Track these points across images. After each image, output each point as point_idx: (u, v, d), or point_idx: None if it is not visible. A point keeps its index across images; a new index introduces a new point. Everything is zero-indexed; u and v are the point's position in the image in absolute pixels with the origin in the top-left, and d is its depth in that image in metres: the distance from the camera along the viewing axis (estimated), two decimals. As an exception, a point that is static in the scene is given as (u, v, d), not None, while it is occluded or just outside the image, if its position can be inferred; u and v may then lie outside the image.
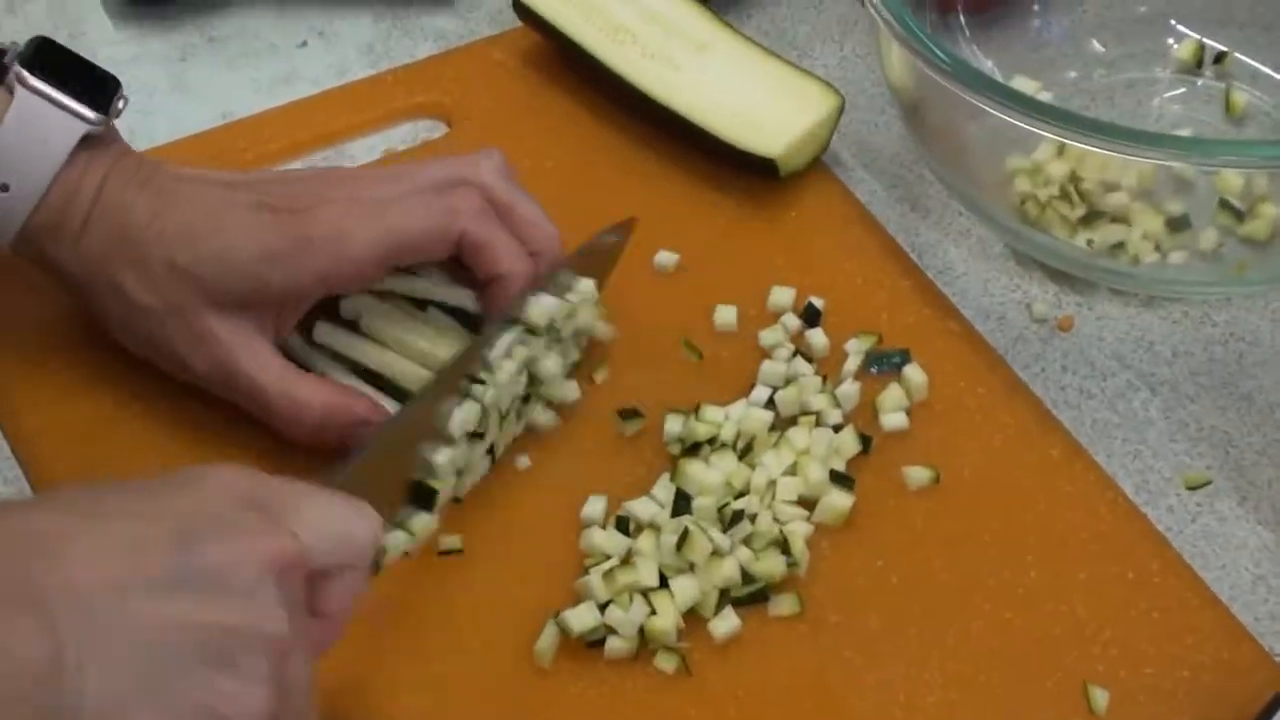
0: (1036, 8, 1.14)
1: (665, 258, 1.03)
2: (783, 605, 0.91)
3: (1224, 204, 1.03)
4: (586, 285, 0.97)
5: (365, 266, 0.93)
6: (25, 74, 0.92)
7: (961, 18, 1.11)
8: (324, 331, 0.96)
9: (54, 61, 0.93)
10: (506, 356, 0.93)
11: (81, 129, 0.93)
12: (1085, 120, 0.97)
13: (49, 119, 0.93)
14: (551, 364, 0.96)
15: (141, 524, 0.75)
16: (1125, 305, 1.04)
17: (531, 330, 0.94)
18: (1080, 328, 1.03)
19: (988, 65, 1.10)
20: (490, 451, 0.94)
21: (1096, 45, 1.14)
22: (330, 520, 0.79)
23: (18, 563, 0.72)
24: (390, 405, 0.94)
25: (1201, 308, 1.03)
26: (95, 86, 0.94)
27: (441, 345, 0.95)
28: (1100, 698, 0.88)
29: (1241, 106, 1.10)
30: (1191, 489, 0.97)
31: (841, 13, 1.14)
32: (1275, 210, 1.03)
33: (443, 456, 0.90)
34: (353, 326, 0.97)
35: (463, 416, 0.91)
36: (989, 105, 0.96)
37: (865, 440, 0.96)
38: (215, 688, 0.73)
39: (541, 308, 0.94)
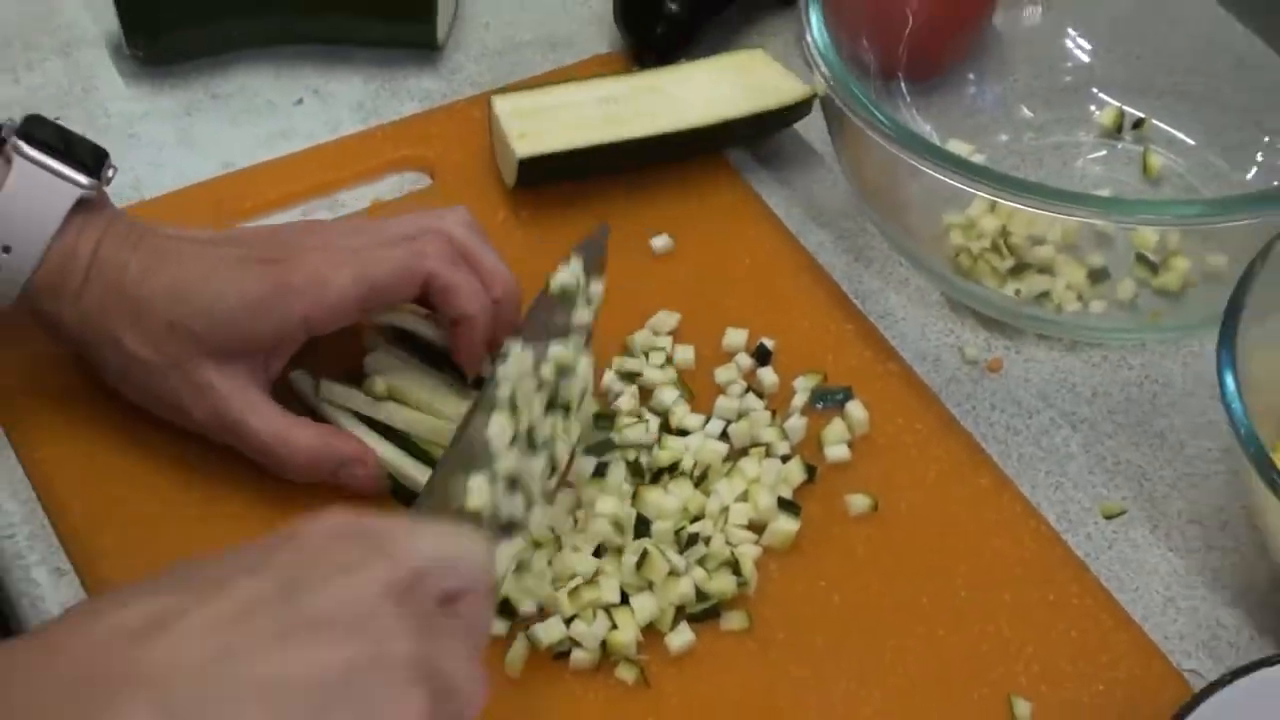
0: (971, 76, 1.13)
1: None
2: (733, 621, 0.90)
3: (1140, 258, 1.03)
4: (598, 288, 0.95)
5: (343, 308, 0.93)
6: (22, 144, 0.92)
7: (903, 85, 1.10)
8: (326, 387, 0.96)
9: (47, 134, 0.93)
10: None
11: (76, 193, 0.93)
12: (1014, 181, 0.96)
13: (46, 185, 0.93)
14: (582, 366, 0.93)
15: (242, 585, 0.70)
16: (1050, 349, 1.03)
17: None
18: (1008, 370, 1.02)
19: (926, 129, 1.09)
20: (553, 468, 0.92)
21: (1025, 111, 1.13)
22: (440, 545, 0.75)
23: (132, 651, 0.69)
24: (386, 448, 0.94)
25: (1119, 352, 1.03)
26: (86, 157, 0.93)
27: (439, 397, 0.95)
28: (1023, 709, 0.88)
29: (1157, 168, 1.10)
30: (1108, 518, 0.96)
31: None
32: (1186, 264, 1.02)
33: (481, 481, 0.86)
34: (354, 379, 0.97)
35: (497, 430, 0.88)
36: (927, 166, 0.96)
37: (810, 470, 0.95)
38: (405, 699, 0.69)
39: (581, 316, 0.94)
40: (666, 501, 0.92)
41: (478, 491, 0.83)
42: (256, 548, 0.73)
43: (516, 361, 0.90)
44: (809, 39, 1.01)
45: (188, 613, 0.69)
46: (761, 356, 1.00)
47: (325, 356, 0.97)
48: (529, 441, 0.90)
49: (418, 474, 0.93)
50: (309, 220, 1.02)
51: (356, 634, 0.69)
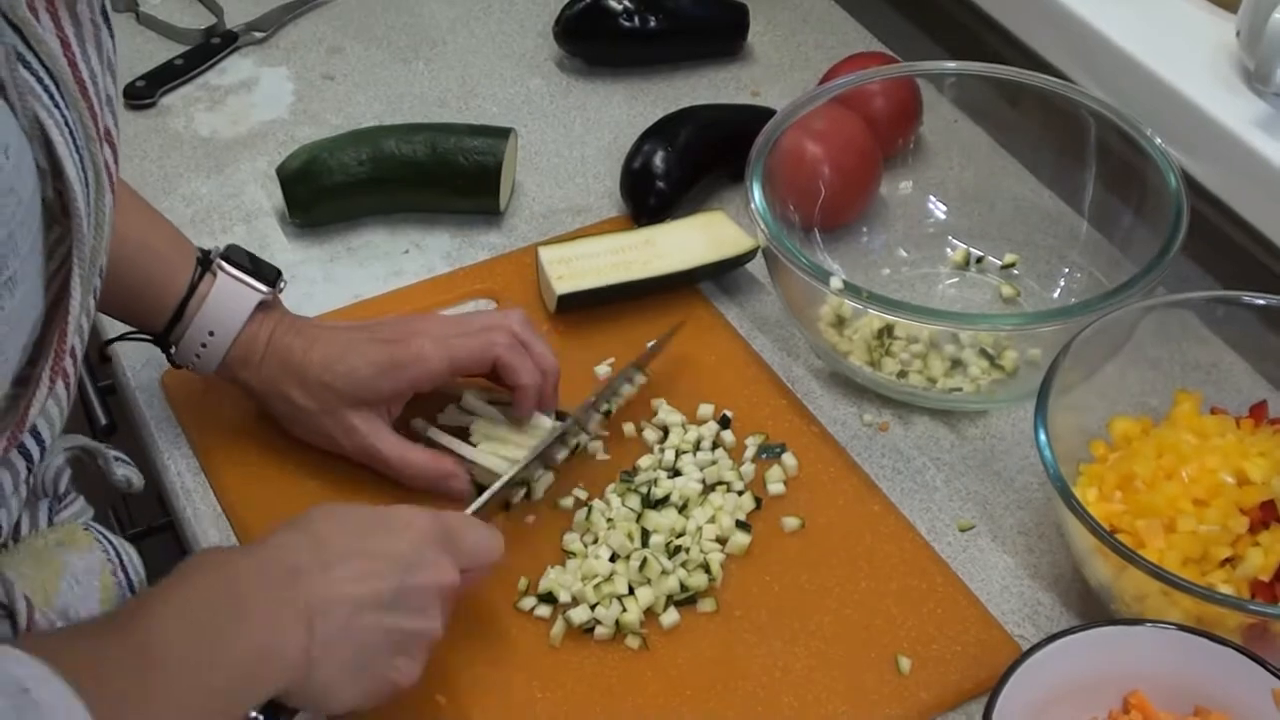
0: (865, 229, 1.12)
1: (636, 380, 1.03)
2: (706, 605, 0.91)
3: (982, 352, 1.01)
4: (640, 377, 1.00)
5: (436, 376, 0.94)
6: (223, 264, 0.94)
7: (818, 235, 1.10)
8: (433, 430, 0.98)
9: (240, 258, 0.95)
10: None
11: (258, 297, 0.94)
12: (895, 302, 0.97)
13: (238, 291, 0.94)
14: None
15: (375, 563, 0.79)
16: (922, 416, 1.03)
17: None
18: (894, 430, 1.02)
19: (835, 266, 1.09)
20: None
21: (902, 252, 1.12)
22: (479, 544, 0.84)
23: (290, 586, 0.76)
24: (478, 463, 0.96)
25: (970, 417, 1.02)
26: (266, 273, 0.95)
27: (499, 433, 0.97)
28: (905, 664, 0.87)
29: (1008, 294, 1.09)
30: (962, 531, 0.96)
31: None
32: (1014, 354, 1.01)
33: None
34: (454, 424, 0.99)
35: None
36: (832, 293, 0.97)
37: (758, 501, 0.95)
38: (396, 666, 0.79)
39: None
40: (661, 522, 0.93)
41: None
42: (384, 527, 0.81)
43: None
44: (753, 205, 1.01)
45: (331, 567, 0.77)
46: (724, 422, 1.00)
47: (427, 404, 0.98)
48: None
49: (486, 478, 0.95)
50: (417, 314, 1.02)
51: (422, 616, 0.80)
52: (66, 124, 0.64)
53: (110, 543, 0.82)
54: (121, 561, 0.82)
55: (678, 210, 1.13)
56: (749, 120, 1.12)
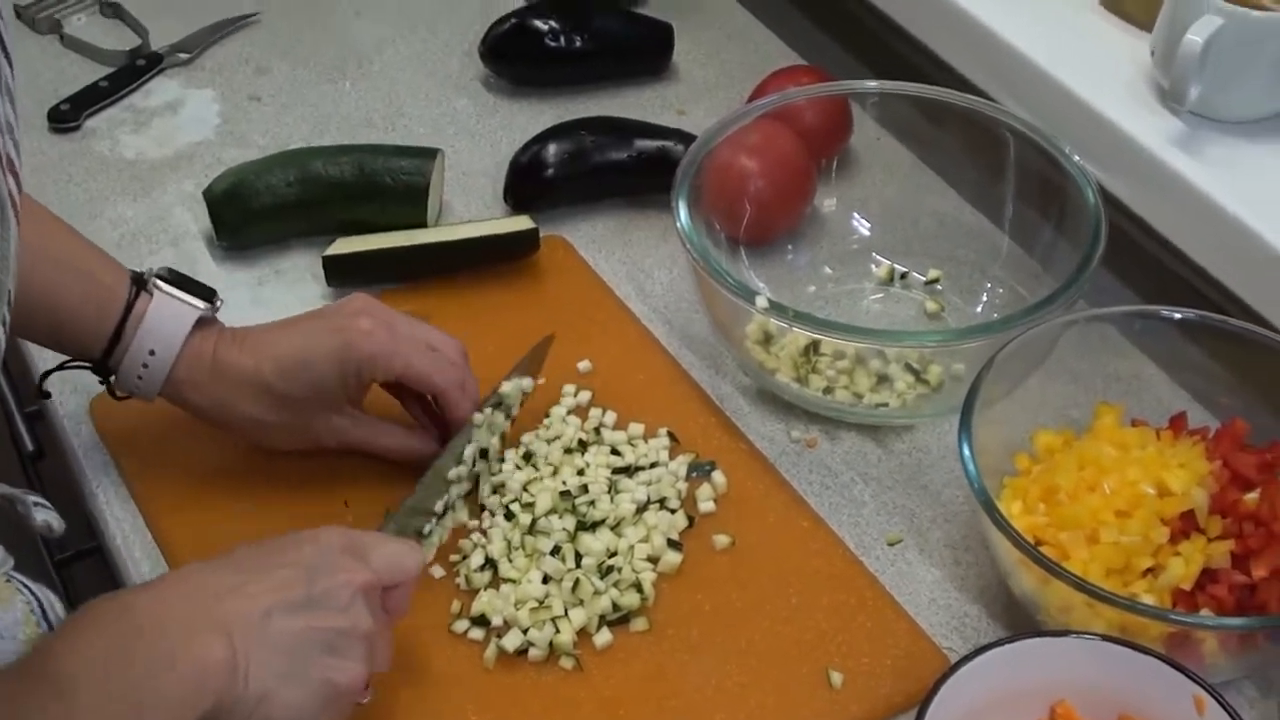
0: (790, 247, 1.13)
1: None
2: (638, 624, 0.91)
3: (908, 367, 1.01)
4: (529, 383, 0.99)
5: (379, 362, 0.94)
6: (160, 282, 0.93)
7: (743, 251, 1.10)
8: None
9: (175, 277, 0.94)
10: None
11: (196, 314, 0.93)
12: (820, 321, 0.97)
13: (176, 308, 0.92)
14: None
15: (282, 571, 0.78)
16: (850, 431, 1.03)
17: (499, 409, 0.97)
18: (822, 446, 1.02)
19: (760, 283, 1.09)
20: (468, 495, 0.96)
21: (827, 269, 1.13)
22: (392, 556, 0.83)
23: (212, 605, 0.76)
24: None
25: (896, 432, 1.03)
26: (202, 292, 0.94)
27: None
28: (837, 678, 0.88)
29: (933, 310, 1.10)
30: (890, 545, 0.96)
31: (671, 250, 1.14)
32: (939, 369, 1.01)
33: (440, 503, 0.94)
34: None
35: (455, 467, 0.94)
36: (759, 311, 0.97)
37: (690, 519, 0.95)
38: (331, 666, 0.77)
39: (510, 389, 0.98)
40: (594, 544, 0.92)
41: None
42: (292, 543, 0.81)
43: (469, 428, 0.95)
44: (679, 224, 1.01)
45: (247, 585, 0.77)
46: (673, 438, 1.00)
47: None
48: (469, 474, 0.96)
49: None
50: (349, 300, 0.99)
51: (341, 615, 0.79)
52: None
53: (31, 591, 0.81)
54: (43, 609, 0.81)
55: (573, 216, 1.16)
56: (651, 133, 1.16)
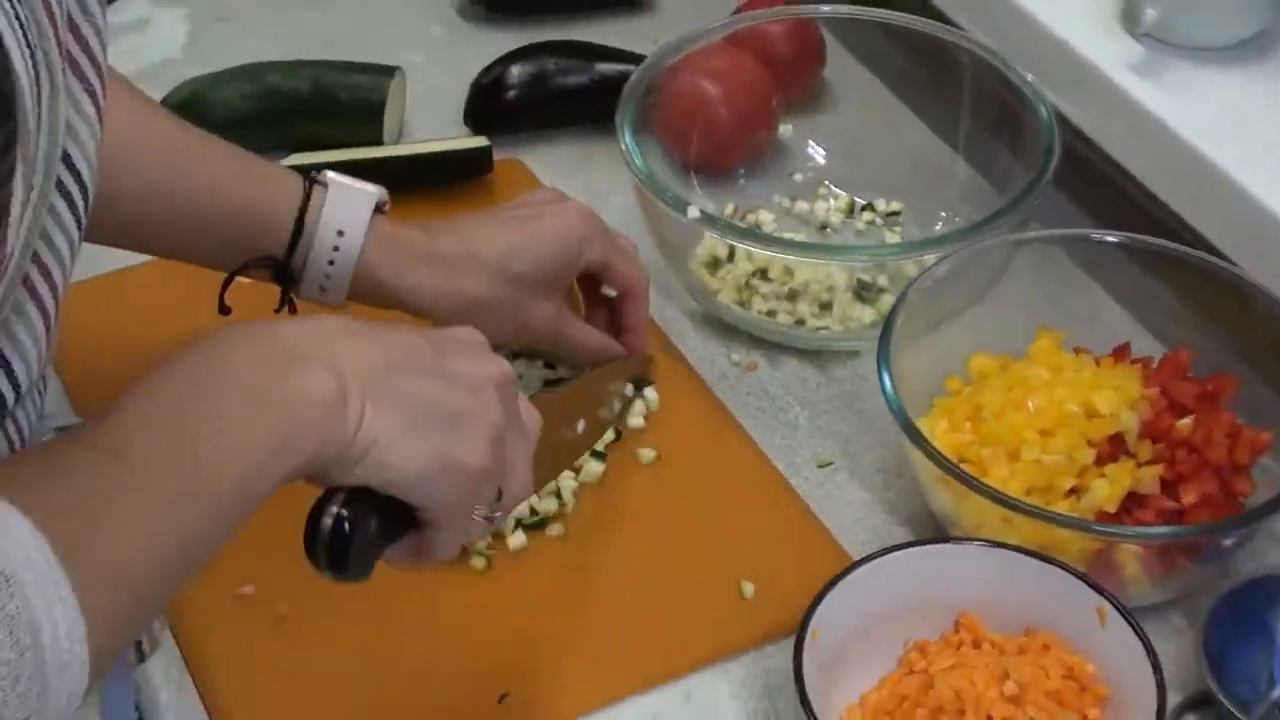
0: (743, 172, 1.17)
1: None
2: (554, 530, 0.95)
3: (857, 295, 1.06)
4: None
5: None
6: (329, 173, 0.93)
7: (694, 178, 1.15)
8: None
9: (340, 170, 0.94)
10: None
11: (374, 196, 0.92)
12: (755, 234, 1.03)
13: (354, 193, 0.92)
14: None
15: (407, 336, 0.73)
16: (790, 355, 1.07)
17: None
18: (763, 370, 1.06)
19: (711, 208, 1.11)
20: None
21: (784, 200, 1.16)
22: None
23: (322, 342, 0.69)
24: None
25: (840, 358, 1.07)
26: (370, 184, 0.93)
27: None
28: (749, 589, 0.92)
29: (882, 238, 1.14)
30: (821, 467, 1.00)
31: (630, 177, 1.15)
32: (890, 298, 1.05)
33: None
34: None
35: None
36: (688, 221, 1.02)
37: (618, 433, 1.00)
38: (451, 439, 0.70)
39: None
40: None
41: None
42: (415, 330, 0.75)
43: None
44: (622, 143, 1.06)
45: (375, 336, 0.71)
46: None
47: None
48: None
49: None
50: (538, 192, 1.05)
51: (471, 394, 0.72)
52: (18, 19, 0.59)
53: None
54: None
55: (535, 140, 1.21)
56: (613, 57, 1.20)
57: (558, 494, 0.96)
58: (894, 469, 1.00)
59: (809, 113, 1.22)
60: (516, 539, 0.94)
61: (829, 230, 1.16)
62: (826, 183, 1.18)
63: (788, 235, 1.13)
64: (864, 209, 1.16)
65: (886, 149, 1.18)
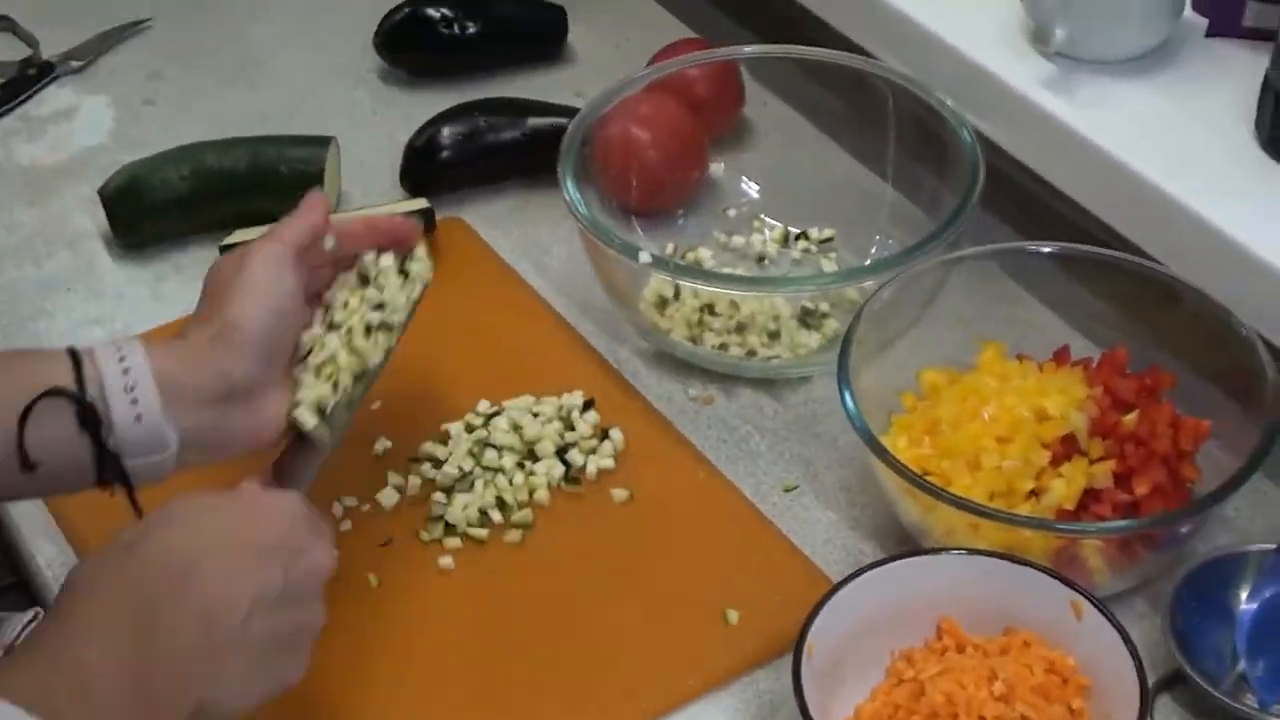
0: (681, 213, 1.21)
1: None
2: (537, 574, 0.99)
3: (802, 322, 1.11)
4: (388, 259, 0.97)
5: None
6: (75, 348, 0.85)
7: (635, 221, 1.19)
8: None
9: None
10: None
11: (136, 339, 0.86)
12: (704, 272, 1.07)
13: (113, 348, 0.85)
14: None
15: (256, 552, 0.77)
16: (746, 386, 1.11)
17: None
18: (719, 402, 1.10)
19: (654, 248, 1.14)
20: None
21: (721, 235, 1.21)
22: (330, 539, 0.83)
23: (174, 576, 0.75)
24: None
25: (793, 385, 1.11)
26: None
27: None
28: (733, 616, 0.95)
29: (819, 267, 1.18)
30: (787, 491, 1.04)
31: (570, 227, 1.17)
32: (834, 324, 1.11)
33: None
34: None
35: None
36: (640, 266, 1.06)
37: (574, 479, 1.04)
38: (289, 665, 0.79)
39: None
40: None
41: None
42: (249, 508, 0.79)
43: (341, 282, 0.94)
44: (565, 194, 1.10)
45: (232, 565, 0.76)
46: (586, 405, 1.07)
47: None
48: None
49: None
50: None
51: (308, 608, 0.80)
52: None
53: None
54: None
55: (472, 198, 1.25)
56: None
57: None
58: (857, 486, 1.05)
59: (737, 149, 1.27)
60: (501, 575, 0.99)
61: (767, 261, 1.20)
62: (761, 215, 1.22)
63: (728, 270, 1.18)
64: (798, 238, 1.21)
65: (815, 179, 1.24)
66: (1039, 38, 1.10)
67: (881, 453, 0.95)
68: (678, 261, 1.05)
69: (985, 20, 1.16)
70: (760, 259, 1.21)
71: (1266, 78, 1.04)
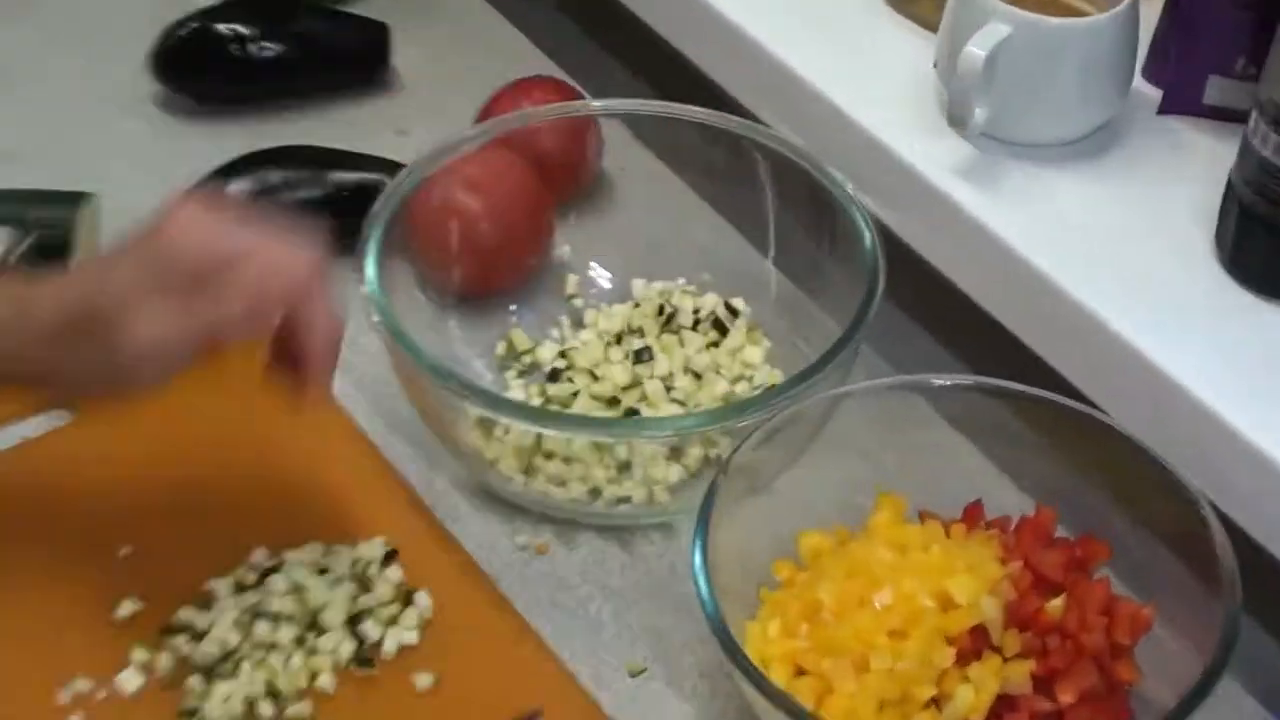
0: (514, 306, 1.04)
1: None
2: None
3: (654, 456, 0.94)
4: None
5: None
6: None
7: (452, 317, 1.02)
8: None
9: None
10: None
11: None
12: (544, 413, 0.92)
13: None
14: None
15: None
16: (588, 531, 0.95)
17: None
18: (555, 551, 0.95)
19: (470, 351, 1.01)
20: None
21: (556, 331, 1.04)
22: None
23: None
24: None
25: (646, 532, 0.96)
26: None
27: None
28: None
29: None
30: (633, 676, 0.89)
31: None
32: (698, 452, 0.95)
33: None
34: None
35: None
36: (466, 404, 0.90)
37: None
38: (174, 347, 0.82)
39: None
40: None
41: None
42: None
43: None
44: (365, 285, 0.92)
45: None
46: (388, 558, 0.92)
47: None
48: None
49: None
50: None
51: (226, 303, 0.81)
52: None
53: None
54: None
55: None
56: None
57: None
58: (720, 671, 0.89)
59: (587, 214, 1.09)
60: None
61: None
62: (614, 305, 1.05)
63: (571, 389, 1.00)
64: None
65: (683, 255, 1.06)
66: (954, 121, 0.92)
67: (739, 661, 0.80)
68: (496, 394, 0.88)
69: (896, 86, 1.01)
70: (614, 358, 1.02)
71: (1230, 183, 0.88)
